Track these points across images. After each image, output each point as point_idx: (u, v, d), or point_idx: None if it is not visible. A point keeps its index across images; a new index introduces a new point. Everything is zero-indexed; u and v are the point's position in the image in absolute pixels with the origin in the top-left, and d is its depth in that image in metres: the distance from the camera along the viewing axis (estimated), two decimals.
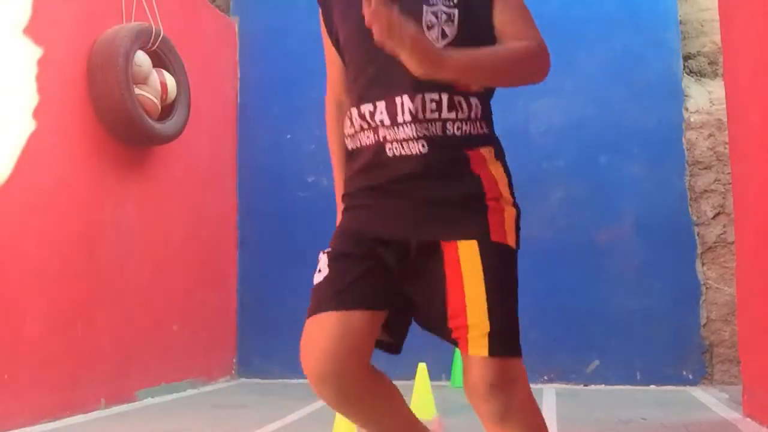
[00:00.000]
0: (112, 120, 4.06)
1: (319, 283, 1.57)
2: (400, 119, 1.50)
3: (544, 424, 1.52)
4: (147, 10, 4.42)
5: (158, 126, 4.31)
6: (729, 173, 4.21)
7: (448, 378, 4.72)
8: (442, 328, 1.52)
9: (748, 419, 3.36)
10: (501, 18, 1.55)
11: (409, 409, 1.62)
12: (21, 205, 3.52)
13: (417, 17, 1.46)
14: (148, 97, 4.24)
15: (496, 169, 1.63)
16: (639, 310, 4.63)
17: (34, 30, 3.65)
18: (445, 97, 1.50)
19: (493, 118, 1.66)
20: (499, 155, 1.65)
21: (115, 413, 3.90)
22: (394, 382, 1.62)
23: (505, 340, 1.47)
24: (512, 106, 5.02)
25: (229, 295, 5.34)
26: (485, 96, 1.59)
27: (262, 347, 5.28)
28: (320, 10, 1.69)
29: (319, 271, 1.61)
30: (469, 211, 1.53)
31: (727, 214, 4.58)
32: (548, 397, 4.22)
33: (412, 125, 1.50)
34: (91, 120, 4.03)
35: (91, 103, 4.01)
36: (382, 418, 1.55)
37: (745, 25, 3.35)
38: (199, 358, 4.88)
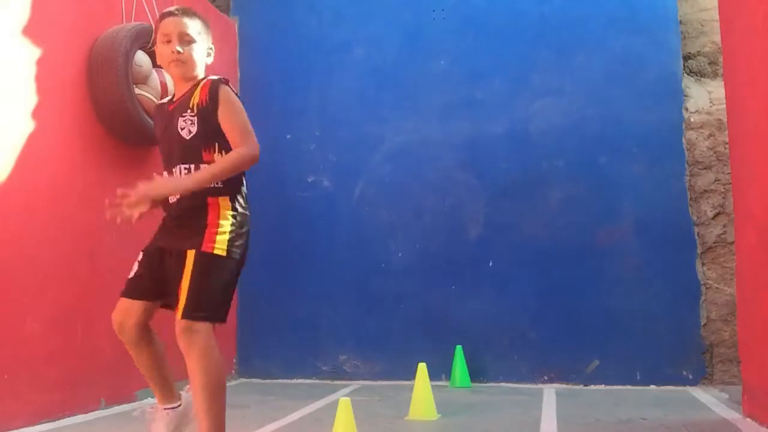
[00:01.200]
0: (112, 120, 4.06)
1: (128, 278, 2.63)
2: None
3: (214, 361, 2.49)
4: (147, 10, 4.42)
5: None
6: (729, 173, 4.21)
7: (448, 378, 4.73)
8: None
9: (748, 419, 3.36)
10: (224, 126, 2.50)
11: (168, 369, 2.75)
12: (21, 205, 3.52)
13: (175, 122, 2.52)
14: (148, 97, 4.24)
15: (224, 211, 2.56)
16: (639, 310, 4.63)
17: (33, 30, 3.65)
18: (193, 167, 2.50)
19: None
20: (233, 199, 2.63)
21: (115, 413, 3.90)
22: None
23: (192, 309, 2.43)
24: (512, 106, 5.03)
25: None
26: None
27: (262, 347, 5.29)
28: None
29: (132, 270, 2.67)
30: (194, 234, 2.46)
31: (727, 214, 4.58)
32: (548, 397, 4.22)
33: None
34: (91, 120, 4.03)
35: (91, 103, 4.01)
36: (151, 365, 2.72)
37: (745, 25, 3.35)
38: None
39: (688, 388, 4.44)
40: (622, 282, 4.68)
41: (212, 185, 2.47)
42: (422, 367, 3.69)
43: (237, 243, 2.57)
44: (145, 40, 4.24)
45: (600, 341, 4.68)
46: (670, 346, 4.57)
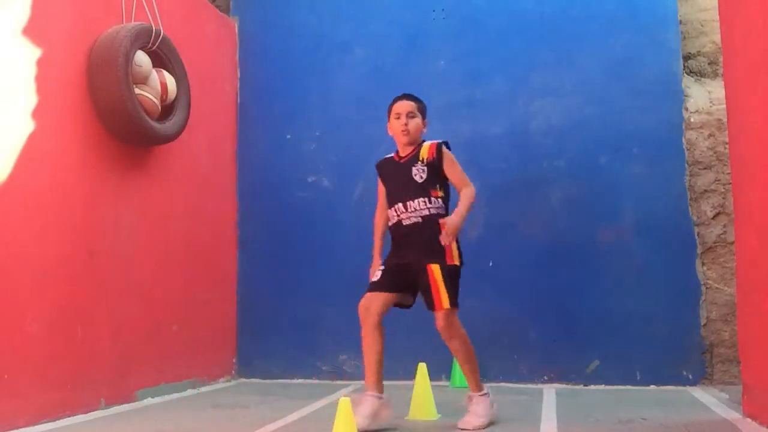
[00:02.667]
0: (112, 120, 4.06)
1: (373, 281, 3.52)
2: (410, 209, 3.53)
3: (467, 340, 3.54)
4: (147, 10, 4.43)
5: (158, 126, 4.31)
6: (729, 173, 4.21)
7: (448, 378, 4.73)
8: (427, 301, 3.43)
9: (748, 419, 3.36)
10: (448, 172, 3.55)
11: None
12: (21, 205, 3.52)
13: (409, 171, 3.52)
14: (148, 97, 4.24)
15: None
16: (639, 310, 4.63)
17: (33, 30, 3.66)
18: (426, 200, 3.51)
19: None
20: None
21: (115, 413, 3.90)
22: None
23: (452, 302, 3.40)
24: (512, 106, 5.03)
25: (229, 295, 5.34)
26: (444, 198, 3.57)
27: (262, 347, 5.29)
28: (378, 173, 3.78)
29: (375, 275, 3.53)
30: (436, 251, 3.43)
31: (727, 214, 4.58)
32: (548, 397, 4.22)
33: (414, 211, 3.53)
34: (91, 120, 4.03)
35: (91, 103, 4.01)
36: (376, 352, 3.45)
37: (745, 25, 3.34)
38: (199, 358, 4.88)
39: (688, 388, 4.45)
40: (622, 282, 4.68)
41: (440, 212, 3.51)
42: (422, 367, 3.70)
43: (461, 252, 3.50)
44: (145, 40, 4.25)
45: (600, 341, 4.68)
46: (670, 346, 4.57)
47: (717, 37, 4.58)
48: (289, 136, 5.42)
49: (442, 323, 3.40)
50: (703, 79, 4.93)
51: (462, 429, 3.32)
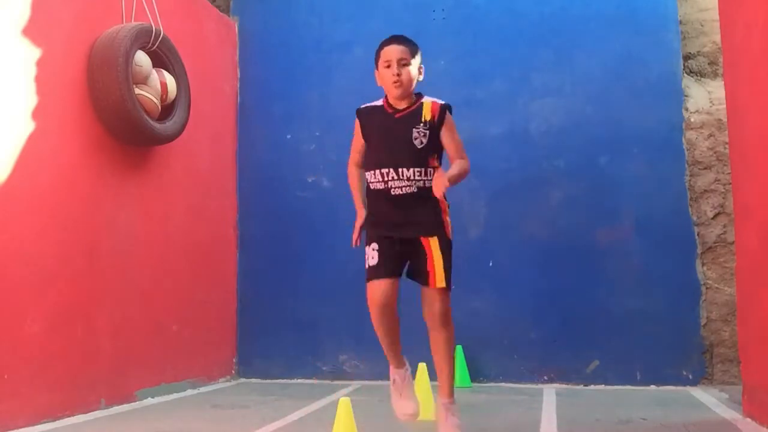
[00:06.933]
0: (112, 120, 4.06)
1: (374, 265, 3.04)
2: (401, 177, 3.04)
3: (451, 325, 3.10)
4: (147, 10, 4.42)
5: (158, 126, 4.31)
6: (729, 173, 4.21)
7: None
8: (422, 276, 3.04)
9: (748, 419, 3.36)
10: (446, 140, 3.09)
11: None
12: (21, 205, 3.52)
13: (409, 133, 3.04)
14: (148, 97, 4.24)
15: (444, 202, 3.07)
16: (639, 310, 4.63)
17: (33, 30, 3.65)
18: (423, 170, 3.04)
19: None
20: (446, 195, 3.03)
21: (115, 413, 3.90)
22: None
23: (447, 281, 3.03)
24: (512, 106, 5.03)
25: (229, 295, 5.34)
26: (440, 167, 3.08)
27: (262, 347, 5.29)
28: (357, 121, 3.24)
29: (372, 258, 3.04)
30: (434, 221, 3.06)
31: (727, 214, 4.58)
32: (548, 397, 4.22)
33: (407, 181, 3.05)
34: (91, 120, 4.03)
35: (91, 103, 4.01)
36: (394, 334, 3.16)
37: (745, 25, 3.34)
38: (199, 358, 4.88)
39: (688, 388, 4.44)
40: (622, 282, 4.68)
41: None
42: (422, 367, 3.69)
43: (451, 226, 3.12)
44: (145, 40, 4.24)
45: (600, 341, 4.68)
46: (670, 346, 4.57)
47: (717, 37, 4.58)
48: (289, 136, 5.42)
49: (438, 305, 3.02)
50: (703, 79, 4.93)
51: None
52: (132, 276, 4.28)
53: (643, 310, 4.62)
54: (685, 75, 4.87)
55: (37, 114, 3.65)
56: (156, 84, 4.33)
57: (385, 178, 3.04)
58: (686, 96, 4.83)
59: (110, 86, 3.95)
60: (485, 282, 4.88)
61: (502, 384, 4.75)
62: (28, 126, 3.61)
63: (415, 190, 3.01)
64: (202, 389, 4.81)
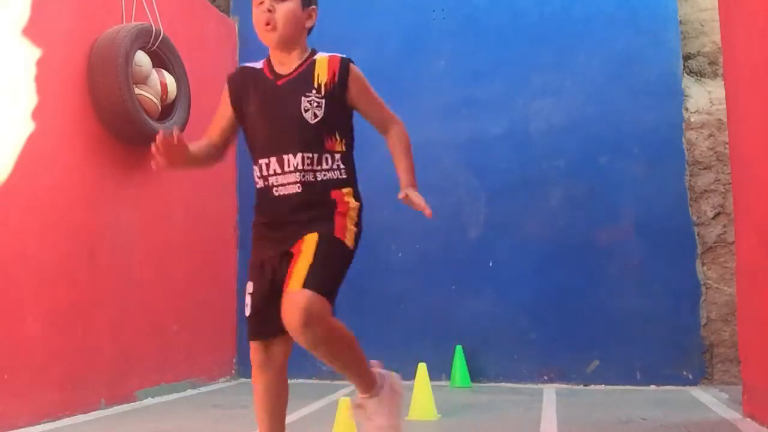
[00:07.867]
0: (112, 120, 4.06)
1: (247, 317, 2.40)
2: (286, 169, 2.24)
3: (344, 337, 2.35)
4: (147, 10, 4.42)
5: (158, 126, 4.30)
6: (729, 173, 4.21)
7: (448, 378, 4.72)
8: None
9: (748, 419, 3.35)
10: (363, 106, 2.31)
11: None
12: (21, 205, 3.52)
13: (296, 103, 2.18)
14: (148, 97, 4.24)
15: (351, 201, 2.31)
16: (639, 310, 4.62)
17: (33, 30, 3.65)
18: (316, 156, 2.20)
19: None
20: (356, 192, 2.35)
21: (115, 413, 3.90)
22: None
23: (316, 283, 2.05)
24: (512, 106, 5.03)
25: (229, 295, 5.34)
26: (344, 155, 2.28)
27: None
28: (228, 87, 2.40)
29: (247, 305, 2.41)
30: (320, 220, 2.19)
31: (727, 214, 4.58)
32: (548, 397, 4.22)
33: (294, 174, 2.23)
34: (91, 120, 4.03)
35: (91, 103, 4.01)
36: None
37: (745, 25, 3.34)
38: (199, 358, 4.88)
39: (688, 388, 4.44)
40: (622, 282, 4.68)
41: (337, 177, 2.23)
42: (422, 367, 3.69)
43: (359, 231, 2.35)
44: (145, 40, 4.24)
45: (600, 341, 4.68)
46: (670, 346, 4.57)
47: (717, 37, 4.58)
48: None
49: (296, 317, 2.03)
50: (703, 79, 4.93)
51: None
52: (132, 276, 4.28)
53: (643, 310, 4.62)
54: (685, 75, 4.87)
55: (37, 114, 3.65)
56: (156, 84, 4.33)
57: (265, 173, 2.31)
58: (686, 96, 4.83)
59: (110, 86, 3.95)
60: (485, 282, 4.88)
61: (502, 384, 4.75)
62: (28, 126, 3.61)
63: (298, 189, 2.21)
64: (202, 389, 4.81)
